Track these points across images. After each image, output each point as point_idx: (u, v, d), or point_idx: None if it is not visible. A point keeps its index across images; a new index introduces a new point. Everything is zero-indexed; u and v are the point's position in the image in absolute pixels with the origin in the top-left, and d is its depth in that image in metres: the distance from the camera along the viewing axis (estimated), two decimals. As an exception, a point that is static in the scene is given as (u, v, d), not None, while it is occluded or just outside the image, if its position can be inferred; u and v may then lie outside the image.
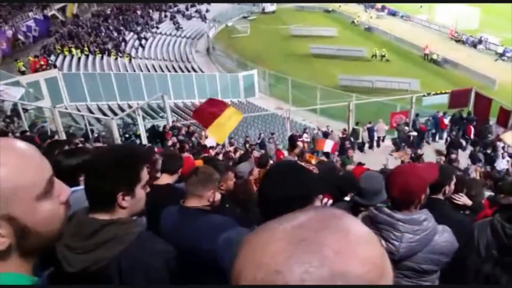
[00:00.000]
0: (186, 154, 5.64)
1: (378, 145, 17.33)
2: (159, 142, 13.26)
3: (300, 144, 14.27)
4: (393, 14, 46.41)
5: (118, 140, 10.94)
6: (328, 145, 13.38)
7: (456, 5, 39.58)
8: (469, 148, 15.72)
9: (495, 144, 14.51)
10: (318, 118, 20.24)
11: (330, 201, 4.21)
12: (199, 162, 4.35)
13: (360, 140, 16.69)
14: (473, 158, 15.07)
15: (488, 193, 5.31)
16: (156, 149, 8.89)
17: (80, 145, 6.06)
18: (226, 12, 50.47)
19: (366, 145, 16.96)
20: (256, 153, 12.01)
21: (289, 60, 32.79)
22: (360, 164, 12.72)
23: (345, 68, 29.54)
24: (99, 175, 1.45)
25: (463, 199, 3.32)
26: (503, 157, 13.57)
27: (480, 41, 32.45)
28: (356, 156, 14.46)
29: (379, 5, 49.64)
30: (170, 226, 2.24)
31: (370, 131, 16.85)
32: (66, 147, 3.08)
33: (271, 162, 10.67)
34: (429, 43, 32.06)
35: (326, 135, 16.38)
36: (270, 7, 53.88)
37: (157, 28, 39.82)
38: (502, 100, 17.44)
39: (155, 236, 1.59)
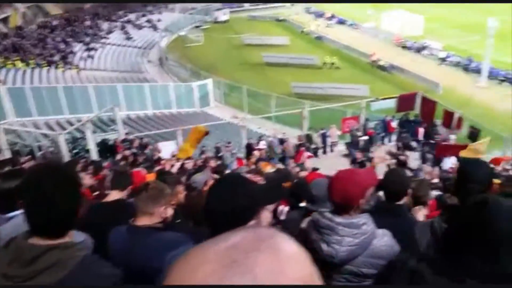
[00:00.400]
0: (138, 168, 5.51)
1: (332, 150, 17.78)
2: (110, 156, 12.85)
3: (256, 153, 14.45)
4: (341, 22, 47.92)
5: (66, 156, 10.51)
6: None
7: (401, 12, 41.59)
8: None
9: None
10: (273, 125, 20.46)
11: (286, 208, 4.27)
12: (151, 177, 4.27)
13: (314, 146, 17.07)
14: (423, 159, 15.82)
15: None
16: (106, 164, 8.61)
17: (27, 164, 5.78)
18: (178, 21, 50.07)
19: (320, 150, 17.37)
20: (212, 163, 11.92)
21: (243, 69, 33.01)
22: (314, 169, 13.01)
23: (298, 76, 30.11)
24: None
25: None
26: (448, 157, 14.27)
27: (424, 47, 34.12)
28: (311, 161, 14.80)
29: (328, 14, 51.19)
30: (119, 247, 2.17)
31: (323, 136, 17.31)
32: (9, 168, 2.94)
33: (228, 171, 10.69)
34: (376, 50, 33.36)
35: (282, 142, 16.62)
36: (222, 16, 54.05)
37: (107, 38, 38.78)
38: (446, 102, 18.50)
39: (101, 260, 1.53)
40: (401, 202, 2.76)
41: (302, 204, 3.55)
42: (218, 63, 34.59)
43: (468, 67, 28.94)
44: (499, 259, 1.10)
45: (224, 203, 1.36)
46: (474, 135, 15.59)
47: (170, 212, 2.34)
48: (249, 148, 16.49)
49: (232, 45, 41.27)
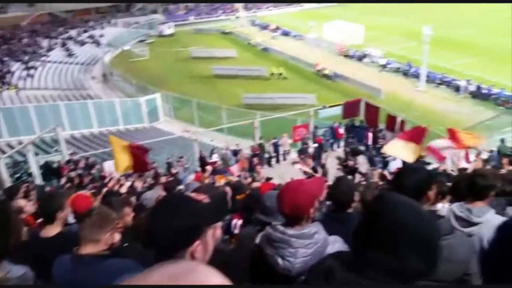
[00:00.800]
0: (83, 191, 5.25)
1: (284, 159, 18.00)
2: (55, 178, 12.19)
3: (208, 168, 14.31)
4: (286, 34, 49.10)
5: (7, 181, 9.84)
6: (234, 169, 13.61)
7: (342, 23, 43.30)
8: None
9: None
10: (226, 137, 20.41)
11: (240, 222, 4.21)
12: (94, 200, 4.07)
13: (267, 155, 17.21)
14: (372, 162, 16.40)
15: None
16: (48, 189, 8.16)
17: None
18: (122, 36, 49.14)
19: (273, 160, 17.55)
20: (163, 179, 11.63)
21: (192, 82, 32.84)
22: (267, 179, 13.08)
23: (247, 87, 30.39)
24: None
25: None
26: (394, 159, 14.88)
27: (365, 55, 35.66)
28: (265, 170, 14.90)
29: (272, 26, 52.30)
30: (63, 277, 2.03)
31: (275, 145, 17.52)
32: None
33: (181, 186, 10.46)
34: (320, 60, 34.46)
35: (235, 153, 16.60)
36: (167, 30, 53.77)
37: (47, 56, 37.17)
38: (389, 107, 19.34)
39: None
40: (350, 210, 2.80)
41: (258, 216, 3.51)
42: (166, 77, 34.19)
43: (408, 73, 30.56)
44: (399, 253, 1.14)
45: (165, 225, 1.31)
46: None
47: (117, 237, 2.22)
48: (202, 161, 16.33)
49: (179, 58, 40.99)
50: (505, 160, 10.45)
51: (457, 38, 37.33)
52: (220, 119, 21.99)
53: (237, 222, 4.19)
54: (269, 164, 17.19)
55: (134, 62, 40.68)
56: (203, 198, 1.46)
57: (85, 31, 48.31)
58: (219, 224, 1.64)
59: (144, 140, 20.49)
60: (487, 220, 2.49)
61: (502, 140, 13.63)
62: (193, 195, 1.49)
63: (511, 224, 2.33)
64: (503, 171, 8.04)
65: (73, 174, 11.05)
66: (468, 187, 2.81)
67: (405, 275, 1.15)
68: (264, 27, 53.73)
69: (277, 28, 51.24)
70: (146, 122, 24.89)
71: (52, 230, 2.78)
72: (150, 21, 58.88)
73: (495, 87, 24.76)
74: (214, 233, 1.46)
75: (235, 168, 13.38)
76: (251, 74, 33.87)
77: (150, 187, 8.31)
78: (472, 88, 25.78)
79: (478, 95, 25.21)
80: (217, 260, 1.86)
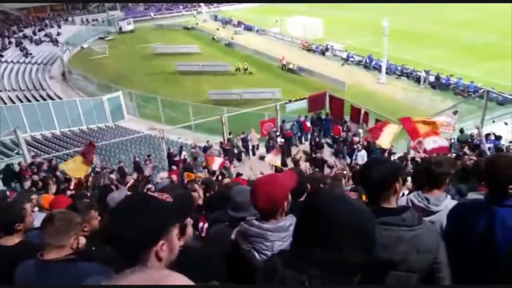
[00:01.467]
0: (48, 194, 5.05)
1: (254, 153, 18.04)
2: (17, 182, 11.67)
3: (174, 167, 14.14)
4: (249, 29, 49.11)
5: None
6: (216, 163, 13.40)
7: (302, 17, 43.72)
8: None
9: (352, 140, 16.25)
10: (193, 134, 20.21)
11: (206, 224, 4.15)
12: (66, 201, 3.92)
13: (236, 151, 17.19)
14: (337, 154, 16.72)
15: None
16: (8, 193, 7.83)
17: None
18: (80, 34, 47.63)
19: (243, 155, 17.55)
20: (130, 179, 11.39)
21: (156, 79, 32.27)
22: (238, 175, 13.08)
23: (213, 83, 30.19)
24: None
25: None
26: (358, 150, 15.25)
27: (327, 49, 36.20)
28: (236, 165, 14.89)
29: (235, 21, 52.17)
30: (26, 283, 1.95)
31: (244, 141, 17.52)
32: None
33: (149, 186, 10.27)
34: (284, 54, 34.67)
35: (205, 149, 16.48)
36: (127, 26, 52.71)
37: (1, 56, 35.48)
38: (352, 99, 19.72)
39: None
40: (302, 199, 2.85)
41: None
42: (128, 74, 33.43)
43: (369, 65, 31.29)
44: (339, 246, 1.15)
45: (126, 225, 1.27)
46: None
47: (82, 241, 2.15)
48: (170, 159, 16.13)
49: (141, 55, 40.18)
50: (465, 148, 10.92)
51: (414, 30, 38.52)
52: (187, 115, 21.73)
53: (204, 225, 4.15)
54: (239, 160, 17.18)
55: (94, 60, 39.57)
56: (166, 197, 1.44)
57: (41, 30, 46.40)
58: (189, 221, 1.61)
59: (108, 139, 20.01)
60: (445, 207, 2.58)
61: (461, 130, 14.20)
62: (156, 194, 1.46)
63: (459, 205, 2.44)
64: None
65: (36, 177, 10.61)
66: (424, 175, 2.89)
67: (346, 268, 1.16)
68: (227, 22, 53.52)
69: (240, 23, 51.14)
70: (110, 121, 24.23)
71: (12, 240, 2.66)
72: (109, 18, 57.38)
73: (453, 77, 25.77)
74: (182, 232, 1.44)
75: (217, 162, 13.19)
76: (216, 70, 33.68)
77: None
78: (432, 78, 26.74)
79: (438, 85, 26.19)
80: (189, 258, 1.83)
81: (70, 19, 57.13)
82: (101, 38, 48.83)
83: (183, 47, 41.38)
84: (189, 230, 1.54)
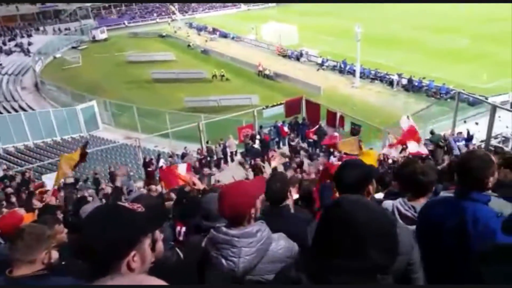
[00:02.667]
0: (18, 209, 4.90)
1: (232, 160, 18.00)
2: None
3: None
4: (224, 36, 49.16)
5: None
6: (181, 169, 13.21)
7: (277, 24, 44.09)
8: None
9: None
10: (171, 142, 20.01)
11: (184, 228, 4.10)
12: (28, 217, 3.80)
13: (215, 158, 17.10)
14: (311, 157, 16.84)
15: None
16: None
17: None
18: (52, 43, 46.70)
19: (222, 162, 17.48)
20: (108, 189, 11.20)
21: (131, 88, 31.91)
22: (216, 182, 13.00)
23: (190, 91, 30.04)
24: None
25: None
26: (334, 156, 15.40)
27: (302, 54, 36.59)
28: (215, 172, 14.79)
29: (210, 28, 52.18)
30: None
31: (222, 147, 17.47)
32: None
33: (125, 196, 10.10)
34: (261, 60, 34.87)
35: (183, 156, 16.35)
36: (101, 35, 52.13)
37: (-30, 67, 34.48)
38: (328, 103, 19.96)
39: None
40: (284, 204, 2.85)
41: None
42: (103, 83, 32.94)
43: (343, 70, 31.76)
44: (366, 253, 1.15)
45: (97, 237, 1.25)
46: (355, 131, 17.07)
47: (55, 255, 2.09)
48: (147, 168, 15.90)
49: (115, 63, 39.70)
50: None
51: (387, 35, 39.36)
52: (164, 124, 21.52)
53: (181, 229, 4.11)
54: (218, 167, 17.08)
55: (67, 69, 38.86)
56: (137, 207, 1.42)
57: (11, 40, 45.29)
58: (160, 236, 1.59)
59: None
60: None
61: (432, 132, 14.56)
62: (127, 204, 1.44)
63: (430, 203, 2.49)
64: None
65: (9, 190, 10.27)
66: (410, 185, 2.93)
67: (372, 272, 1.17)
68: (202, 29, 53.48)
69: (215, 30, 51.17)
70: (84, 131, 23.75)
71: None
72: (81, 27, 56.54)
73: (425, 79, 26.43)
74: (152, 248, 1.42)
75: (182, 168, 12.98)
76: (192, 77, 33.54)
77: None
78: (404, 81, 27.35)
79: (410, 87, 26.80)
80: (163, 274, 1.81)
81: (41, 28, 55.99)
82: (74, 48, 48.04)
83: (158, 54, 41.09)
84: (160, 245, 1.52)
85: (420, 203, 2.72)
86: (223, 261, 1.96)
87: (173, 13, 62.34)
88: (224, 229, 2.01)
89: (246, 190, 2.07)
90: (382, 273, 1.22)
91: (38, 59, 39.92)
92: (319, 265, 1.22)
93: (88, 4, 63.85)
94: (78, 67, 39.81)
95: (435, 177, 2.92)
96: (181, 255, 3.37)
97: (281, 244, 2.05)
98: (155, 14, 67.23)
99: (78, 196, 9.66)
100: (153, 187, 9.56)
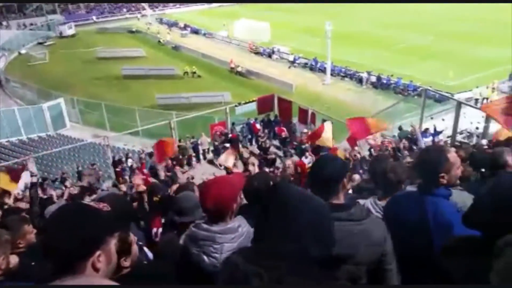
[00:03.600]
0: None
1: (205, 158, 17.89)
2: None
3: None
4: (195, 32, 48.73)
5: None
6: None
7: (249, 21, 44.07)
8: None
9: (301, 139, 16.55)
10: (141, 140, 19.69)
11: (160, 229, 4.06)
12: None
13: (186, 156, 16.94)
14: (285, 154, 16.93)
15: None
16: None
17: None
18: (17, 39, 45.12)
19: (194, 159, 17.35)
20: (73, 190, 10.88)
21: (100, 84, 31.21)
22: (191, 178, 12.86)
23: (161, 87, 29.66)
24: None
25: None
26: (306, 151, 15.55)
27: (273, 52, 36.71)
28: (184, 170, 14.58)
29: (181, 24, 51.60)
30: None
31: (194, 145, 17.33)
32: None
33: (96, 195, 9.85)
34: (233, 57, 34.76)
35: (151, 155, 16.07)
36: (68, 30, 50.77)
37: None
38: (300, 101, 20.11)
39: None
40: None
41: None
42: (70, 80, 32.04)
43: (314, 67, 32.08)
44: (297, 239, 1.18)
45: (60, 236, 1.24)
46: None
47: (13, 260, 2.01)
48: (116, 166, 15.61)
49: (84, 60, 38.70)
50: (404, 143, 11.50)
51: (356, 33, 40.00)
52: (134, 121, 21.15)
53: (158, 231, 4.07)
54: (190, 164, 16.94)
55: (33, 66, 37.61)
56: (103, 206, 1.39)
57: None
58: (134, 239, 1.57)
59: (50, 149, 19.03)
60: None
61: (400, 127, 14.95)
62: (93, 203, 1.41)
63: (393, 198, 2.55)
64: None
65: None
66: (381, 183, 2.98)
67: (306, 260, 1.15)
68: (173, 25, 52.83)
69: (187, 26, 50.65)
70: (51, 130, 23.06)
71: None
72: (48, 22, 54.77)
73: (393, 76, 27.03)
74: (127, 251, 1.40)
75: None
76: (163, 74, 33.11)
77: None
78: (373, 78, 27.90)
79: (379, 85, 27.37)
80: (140, 276, 1.78)
81: (5, 23, 53.85)
82: (40, 43, 46.58)
83: (128, 50, 40.32)
84: (135, 248, 1.49)
85: None
86: (205, 258, 1.95)
87: (143, 8, 61.31)
88: (205, 225, 2.00)
89: (230, 184, 2.06)
90: (317, 263, 1.20)
91: (2, 55, 38.54)
92: (254, 247, 1.23)
93: (54, -2, 61.92)
94: (44, 63, 38.64)
95: (405, 176, 2.99)
96: (150, 255, 3.33)
97: None
98: (124, 10, 65.87)
99: (45, 196, 9.35)
100: (122, 186, 9.39)
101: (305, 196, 1.29)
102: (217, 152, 17.03)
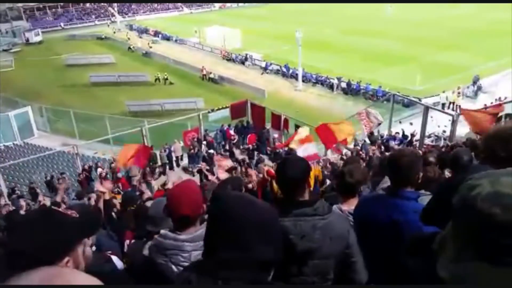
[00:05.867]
0: None
1: (178, 165, 17.74)
2: None
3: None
4: (167, 38, 48.39)
5: None
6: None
7: (221, 27, 44.16)
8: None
9: (275, 145, 16.73)
10: (112, 148, 19.32)
11: (133, 241, 3.99)
12: None
13: (159, 163, 16.74)
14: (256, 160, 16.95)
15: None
16: None
17: None
18: (-20, 45, 43.48)
19: (167, 167, 17.14)
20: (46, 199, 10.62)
21: (69, 92, 30.51)
22: (162, 187, 12.70)
23: (132, 94, 29.26)
24: None
25: None
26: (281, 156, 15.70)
27: (246, 58, 36.89)
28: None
29: (152, 30, 51.15)
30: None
31: (168, 152, 17.16)
32: None
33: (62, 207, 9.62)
34: (205, 64, 34.70)
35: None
36: (35, 37, 49.45)
37: None
38: (273, 106, 20.28)
39: None
40: None
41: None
42: (38, 87, 31.17)
43: (286, 73, 32.42)
44: (246, 245, 1.16)
45: (27, 241, 1.22)
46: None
47: None
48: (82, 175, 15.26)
49: (51, 67, 37.78)
50: (373, 147, 11.81)
51: (326, 40, 40.70)
52: (104, 129, 20.73)
53: (131, 243, 4.00)
54: (164, 173, 16.72)
55: (-2, 73, 36.34)
56: (72, 212, 1.39)
57: None
58: (87, 241, 1.57)
59: (17, 158, 18.42)
60: None
61: (371, 133, 15.31)
62: (61, 210, 1.41)
63: (362, 201, 2.64)
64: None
65: None
66: (339, 186, 3.05)
67: (256, 265, 1.17)
68: (143, 31, 52.30)
69: (157, 33, 50.24)
70: (18, 139, 22.31)
71: None
72: (13, 29, 53.17)
73: (362, 82, 27.65)
74: (85, 250, 1.40)
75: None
76: (134, 80, 32.70)
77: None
78: (343, 84, 28.45)
79: (349, 91, 27.94)
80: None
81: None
82: (5, 50, 45.15)
83: (97, 57, 39.60)
84: (87, 250, 1.48)
85: (348, 203, 2.86)
86: (173, 267, 1.92)
87: (113, 15, 60.42)
88: (171, 234, 1.97)
89: (197, 189, 2.06)
90: (269, 267, 1.22)
91: (-37, 63, 37.06)
92: (206, 259, 1.22)
93: (20, 4, 60.18)
94: (10, 71, 37.43)
95: (362, 178, 3.09)
96: (119, 264, 3.30)
97: None
98: (93, 16, 64.72)
99: (11, 209, 9.05)
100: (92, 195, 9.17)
101: (249, 200, 1.26)
102: (192, 159, 16.93)
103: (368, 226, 2.34)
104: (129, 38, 47.35)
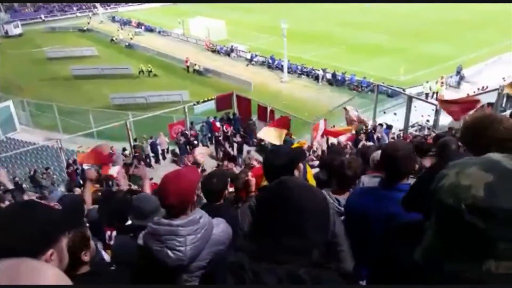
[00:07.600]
0: None
1: (164, 158, 17.64)
2: None
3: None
4: (150, 30, 47.73)
5: None
6: (113, 170, 12.76)
7: (205, 19, 43.72)
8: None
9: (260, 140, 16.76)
10: (96, 142, 19.06)
11: (114, 232, 3.98)
12: None
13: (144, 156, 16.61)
14: (242, 151, 16.97)
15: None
16: None
17: None
18: (-44, 38, 42.27)
19: (153, 160, 17.06)
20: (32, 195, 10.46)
21: (51, 85, 29.96)
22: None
23: (115, 87, 28.86)
24: None
25: None
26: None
27: (231, 50, 36.66)
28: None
29: (134, 22, 50.38)
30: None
31: (153, 145, 17.04)
32: None
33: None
34: (190, 56, 34.38)
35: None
36: (14, 29, 48.32)
37: None
38: (258, 98, 20.28)
39: None
40: (221, 202, 2.91)
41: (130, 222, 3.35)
42: (19, 81, 30.42)
43: (272, 65, 32.37)
44: (307, 233, 1.20)
45: (8, 233, 1.20)
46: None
47: None
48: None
49: (32, 60, 37.02)
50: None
51: (311, 31, 40.65)
52: (88, 123, 20.44)
53: (112, 234, 3.99)
54: (149, 165, 16.63)
55: (-24, 67, 35.40)
56: (54, 204, 1.38)
57: None
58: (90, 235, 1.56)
59: (-1, 154, 18.10)
60: None
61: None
62: (44, 202, 1.39)
63: (353, 194, 2.65)
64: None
65: None
66: (336, 177, 3.07)
67: (309, 249, 1.20)
68: (126, 23, 51.47)
69: (140, 24, 49.51)
70: (0, 134, 21.87)
71: None
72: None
73: (347, 73, 27.78)
74: (85, 245, 1.39)
75: (114, 170, 12.53)
76: (117, 73, 32.27)
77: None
78: (329, 76, 28.55)
79: (334, 82, 28.06)
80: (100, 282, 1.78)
81: None
82: (-18, 43, 43.95)
83: (79, 50, 38.90)
84: (92, 243, 1.48)
85: (345, 195, 2.88)
86: (169, 252, 1.95)
87: (95, 6, 59.31)
88: (165, 220, 2.00)
89: (188, 176, 2.08)
90: (317, 250, 1.24)
91: None
92: (261, 244, 1.22)
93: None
94: (-12, 64, 36.50)
95: (360, 170, 3.12)
96: (106, 257, 3.29)
97: (221, 228, 2.14)
98: (74, 8, 63.37)
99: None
100: (77, 189, 9.11)
101: (309, 188, 1.31)
102: (181, 151, 16.85)
103: (361, 218, 2.32)
104: (112, 30, 46.54)
